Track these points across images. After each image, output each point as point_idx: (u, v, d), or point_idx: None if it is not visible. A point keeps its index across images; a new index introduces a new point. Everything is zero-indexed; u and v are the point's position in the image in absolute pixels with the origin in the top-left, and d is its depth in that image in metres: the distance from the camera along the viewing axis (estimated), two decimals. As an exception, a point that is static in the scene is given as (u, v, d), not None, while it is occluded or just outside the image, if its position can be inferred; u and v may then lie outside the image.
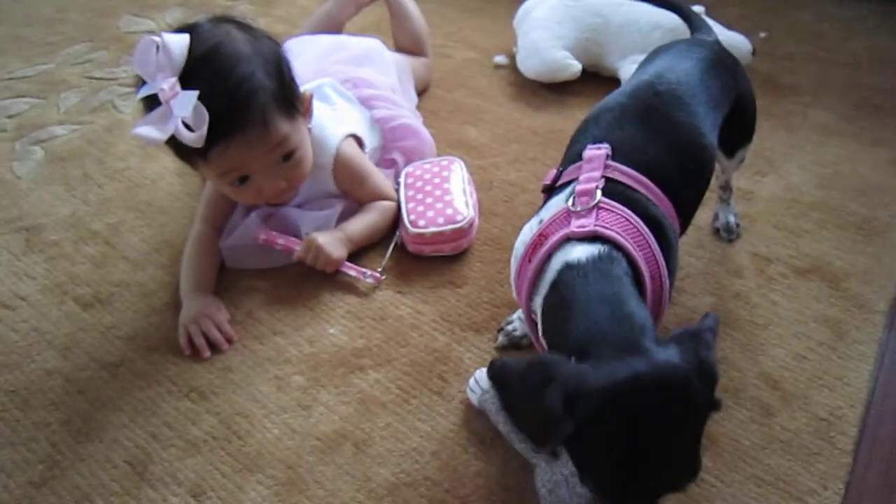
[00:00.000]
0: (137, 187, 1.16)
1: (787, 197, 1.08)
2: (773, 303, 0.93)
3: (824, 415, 0.80)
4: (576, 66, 1.28)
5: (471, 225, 0.99)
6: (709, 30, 0.93)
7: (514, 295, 0.74)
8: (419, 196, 1.02)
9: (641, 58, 1.25)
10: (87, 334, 0.93)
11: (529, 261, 0.68)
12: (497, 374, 0.59)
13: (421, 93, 1.30)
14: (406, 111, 1.14)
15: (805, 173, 1.13)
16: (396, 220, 1.04)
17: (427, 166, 1.07)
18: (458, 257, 1.00)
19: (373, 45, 1.20)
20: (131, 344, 0.92)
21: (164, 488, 0.77)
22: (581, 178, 0.69)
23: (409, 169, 1.08)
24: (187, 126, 0.81)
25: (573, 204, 0.67)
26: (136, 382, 0.87)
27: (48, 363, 0.90)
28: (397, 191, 1.05)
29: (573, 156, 0.74)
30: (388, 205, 1.03)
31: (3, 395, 0.86)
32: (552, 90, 1.31)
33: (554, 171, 0.75)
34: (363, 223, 1.01)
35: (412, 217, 0.99)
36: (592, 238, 0.64)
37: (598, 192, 0.67)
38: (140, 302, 0.97)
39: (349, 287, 0.97)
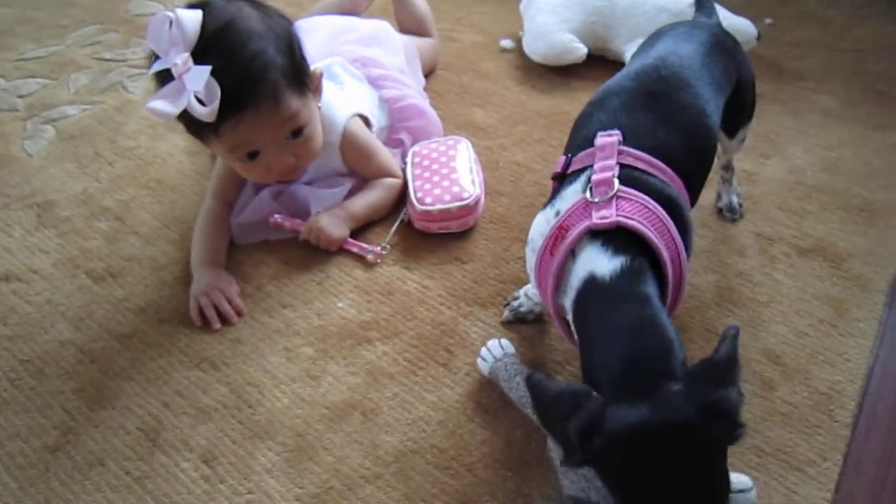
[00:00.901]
0: (148, 165, 1.17)
1: (790, 179, 1.09)
2: (776, 281, 0.94)
3: (824, 389, 0.82)
4: (582, 50, 1.29)
5: (477, 202, 1.01)
6: (711, 11, 0.93)
7: (535, 287, 0.74)
8: (426, 174, 1.04)
9: (647, 41, 1.27)
10: (99, 307, 0.95)
11: (551, 254, 0.67)
12: (534, 387, 0.60)
13: (428, 74, 1.31)
14: (414, 91, 1.15)
15: (809, 156, 1.14)
16: (400, 196, 1.05)
17: (434, 145, 1.09)
18: (464, 234, 1.02)
19: (382, 27, 1.21)
20: (143, 316, 0.93)
21: (175, 454, 0.78)
22: (596, 167, 0.68)
23: (416, 148, 1.09)
24: (200, 101, 0.82)
25: (591, 194, 0.66)
26: (148, 353, 0.89)
27: (62, 334, 0.92)
28: (404, 170, 1.07)
29: (580, 140, 0.74)
30: (391, 182, 1.05)
31: (18, 364, 0.88)
32: (558, 73, 1.32)
33: (563, 159, 0.74)
34: (365, 201, 1.02)
35: (419, 195, 1.01)
36: (614, 232, 0.64)
37: (616, 182, 0.66)
38: (151, 276, 0.99)
39: (357, 262, 0.99)
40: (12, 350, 0.90)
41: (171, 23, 0.81)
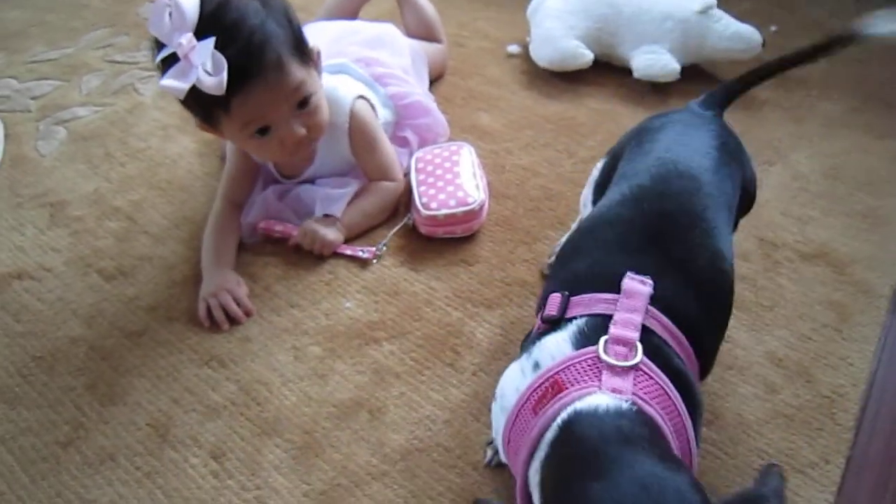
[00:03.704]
0: (158, 166, 1.19)
1: (794, 185, 1.10)
2: (779, 286, 0.95)
3: (827, 392, 0.82)
4: (588, 56, 1.30)
5: (481, 207, 1.02)
6: (712, 104, 0.81)
7: (504, 454, 0.62)
8: (430, 180, 1.04)
9: (653, 48, 1.28)
10: (110, 304, 0.96)
11: (535, 413, 0.55)
12: None
13: (436, 79, 1.32)
14: (418, 89, 1.16)
15: (812, 163, 1.14)
16: (397, 202, 1.06)
17: (437, 151, 1.10)
18: (470, 237, 1.03)
19: (386, 30, 1.22)
20: (153, 314, 0.95)
21: (185, 450, 0.79)
22: (617, 317, 0.57)
23: (420, 154, 1.10)
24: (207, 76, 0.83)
25: (606, 351, 0.55)
26: (158, 350, 0.90)
27: (73, 331, 0.93)
28: (407, 175, 1.08)
29: (567, 276, 0.65)
30: (388, 186, 1.05)
31: (30, 360, 0.90)
32: (564, 79, 1.33)
33: (557, 297, 0.62)
34: (357, 210, 1.03)
35: (424, 200, 1.02)
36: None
37: (640, 348, 0.56)
38: (161, 275, 1.00)
39: (364, 264, 1.00)
40: (25, 346, 0.91)
41: (170, 10, 0.83)
